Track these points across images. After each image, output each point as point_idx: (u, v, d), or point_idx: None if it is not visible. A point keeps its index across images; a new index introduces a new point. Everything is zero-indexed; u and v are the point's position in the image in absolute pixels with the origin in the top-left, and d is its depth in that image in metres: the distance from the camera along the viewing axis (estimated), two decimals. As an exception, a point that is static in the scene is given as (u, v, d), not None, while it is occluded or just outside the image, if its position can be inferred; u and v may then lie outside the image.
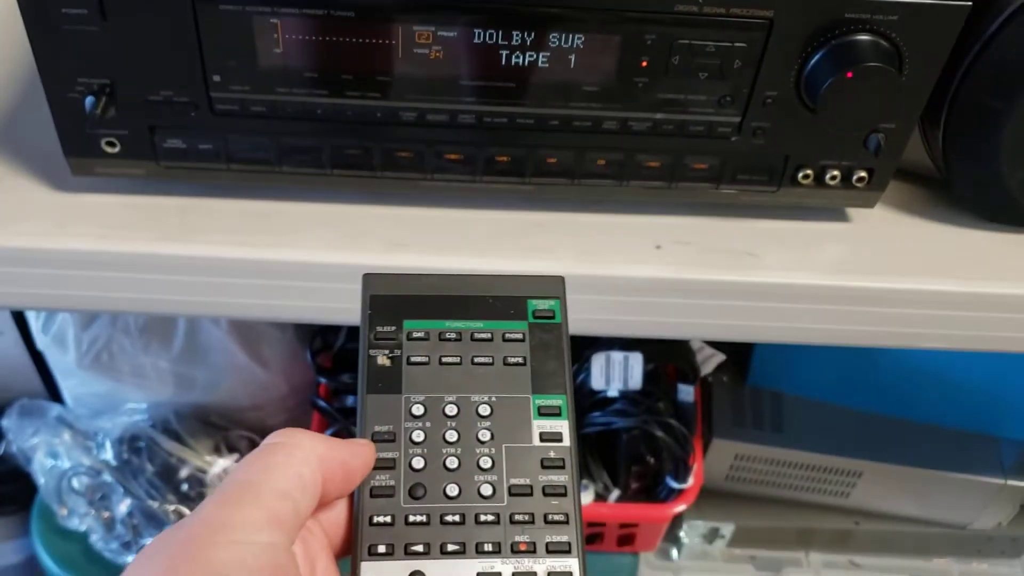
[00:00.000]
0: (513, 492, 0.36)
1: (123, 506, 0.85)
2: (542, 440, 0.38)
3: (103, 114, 0.49)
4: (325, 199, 0.55)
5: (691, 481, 0.84)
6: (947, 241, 0.57)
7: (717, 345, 0.90)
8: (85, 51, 0.47)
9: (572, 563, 0.35)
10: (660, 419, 0.82)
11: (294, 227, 0.53)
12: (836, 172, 0.54)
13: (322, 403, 0.85)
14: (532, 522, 0.36)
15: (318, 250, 0.52)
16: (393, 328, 0.40)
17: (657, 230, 0.56)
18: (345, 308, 0.54)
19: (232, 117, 0.50)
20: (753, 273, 0.54)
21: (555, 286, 0.41)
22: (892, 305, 0.55)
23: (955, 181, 0.56)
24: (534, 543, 0.35)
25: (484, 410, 0.38)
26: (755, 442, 0.92)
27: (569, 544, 0.36)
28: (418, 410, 0.38)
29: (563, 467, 0.37)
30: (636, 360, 0.81)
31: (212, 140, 0.51)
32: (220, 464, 0.87)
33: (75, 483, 0.88)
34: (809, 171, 0.54)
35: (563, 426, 0.38)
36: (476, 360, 0.39)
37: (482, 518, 0.36)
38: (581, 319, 0.55)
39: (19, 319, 0.94)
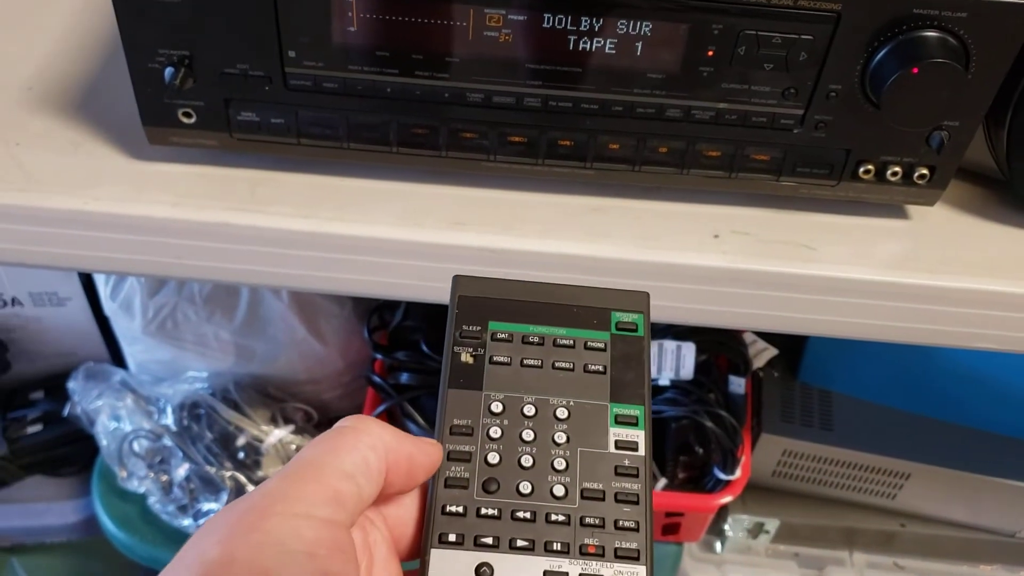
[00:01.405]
0: (585, 495, 0.37)
1: (181, 470, 0.88)
2: (617, 448, 0.38)
3: (181, 85, 0.50)
4: (389, 176, 0.56)
5: (738, 473, 0.84)
6: (1007, 242, 0.57)
7: (769, 339, 0.90)
8: (166, 24, 0.49)
9: (640, 570, 0.35)
10: (710, 409, 0.82)
11: (358, 203, 0.55)
12: (897, 168, 0.54)
13: (377, 379, 0.87)
14: (602, 526, 0.36)
15: (381, 226, 0.54)
16: (478, 328, 0.41)
17: (716, 219, 0.56)
18: (404, 284, 0.55)
19: (304, 92, 0.52)
20: (809, 266, 0.54)
21: (640, 301, 0.42)
22: (947, 304, 0.55)
23: (1018, 182, 0.55)
24: (603, 547, 0.36)
25: (562, 413, 0.39)
26: (804, 439, 0.92)
27: (638, 552, 0.36)
28: (497, 407, 0.39)
29: (637, 476, 0.37)
30: (689, 350, 0.81)
31: (284, 114, 0.53)
32: (276, 434, 0.89)
33: (136, 446, 0.90)
34: (870, 166, 0.54)
35: (639, 436, 0.38)
36: (557, 365, 0.40)
37: (553, 517, 0.36)
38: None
39: (87, 286, 0.97)
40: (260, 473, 0.87)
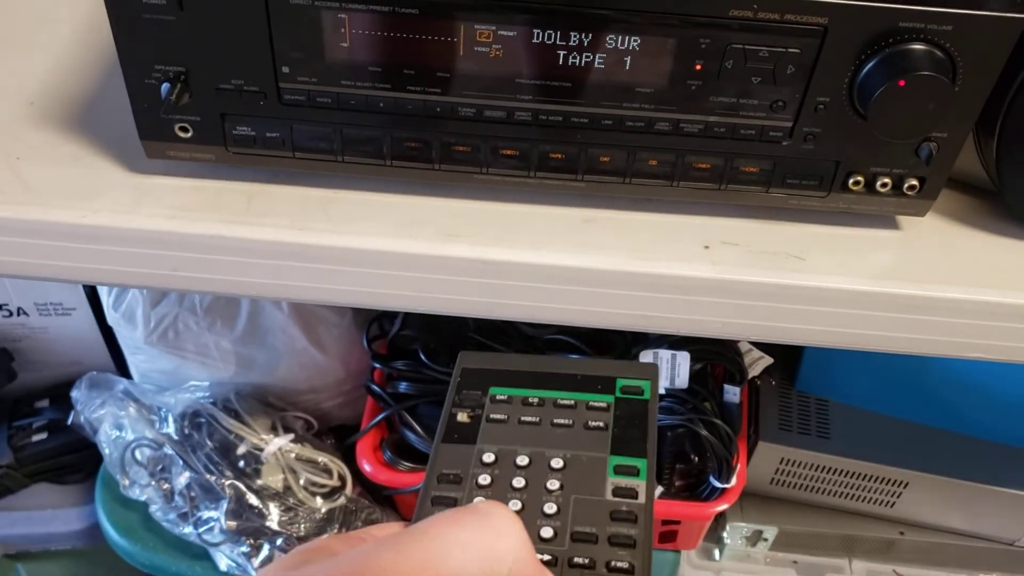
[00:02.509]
0: (576, 538, 0.35)
1: (182, 478, 0.88)
2: (615, 495, 0.36)
3: (177, 100, 0.51)
4: (384, 189, 0.57)
5: (734, 481, 0.84)
6: (998, 253, 0.57)
7: (765, 348, 0.90)
8: (163, 40, 0.50)
9: None
10: (705, 418, 0.83)
11: (353, 215, 0.56)
12: (887, 180, 0.54)
13: (376, 388, 0.87)
14: (592, 567, 0.34)
15: (375, 237, 0.54)
16: (478, 393, 0.40)
17: (706, 230, 0.57)
18: (398, 294, 0.56)
19: (299, 107, 0.52)
20: (800, 276, 0.55)
21: (648, 371, 0.40)
22: (938, 314, 0.55)
23: (1008, 193, 0.56)
24: None
25: (557, 463, 0.37)
26: (801, 447, 0.92)
27: None
28: (489, 458, 0.37)
29: (635, 521, 0.35)
30: (683, 359, 0.82)
31: (279, 129, 0.54)
32: (276, 443, 0.90)
33: (138, 455, 0.91)
34: (860, 177, 0.54)
35: (640, 485, 0.36)
36: (556, 422, 0.39)
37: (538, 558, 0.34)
38: (628, 315, 0.56)
39: (91, 296, 0.98)
40: (260, 482, 0.88)
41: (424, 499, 0.37)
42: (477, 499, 0.36)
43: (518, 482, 0.37)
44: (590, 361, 0.42)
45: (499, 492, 0.36)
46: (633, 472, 0.37)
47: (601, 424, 0.38)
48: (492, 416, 0.39)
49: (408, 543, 0.29)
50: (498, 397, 0.40)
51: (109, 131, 0.59)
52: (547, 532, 0.35)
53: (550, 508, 0.36)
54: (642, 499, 0.36)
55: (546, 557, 0.34)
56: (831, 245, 0.56)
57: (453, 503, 0.36)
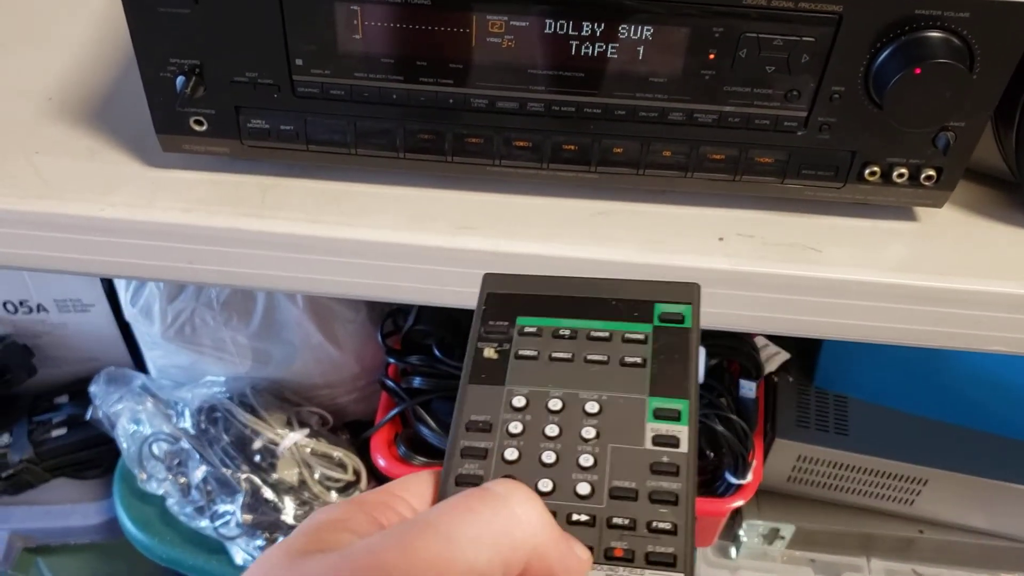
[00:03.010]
0: (614, 495, 0.33)
1: (198, 472, 0.89)
2: (655, 444, 0.34)
3: (192, 94, 0.51)
4: (397, 182, 0.57)
5: (750, 477, 0.84)
6: (1018, 244, 0.56)
7: (782, 343, 0.90)
8: (177, 33, 0.50)
9: None
10: (720, 414, 0.82)
11: (367, 208, 0.56)
12: (904, 170, 0.54)
13: (390, 383, 0.87)
14: (633, 528, 0.32)
15: (388, 230, 0.54)
16: (505, 323, 0.37)
17: (720, 222, 0.56)
18: (411, 287, 0.56)
19: (312, 100, 0.53)
20: (815, 268, 0.54)
21: (688, 292, 0.38)
22: (956, 306, 0.54)
23: (1027, 183, 0.55)
24: (632, 551, 0.31)
25: (592, 407, 0.35)
26: (819, 444, 0.91)
27: (674, 557, 0.31)
28: (519, 402, 0.35)
29: (676, 474, 0.33)
30: (700, 354, 0.81)
31: (293, 121, 0.54)
32: (291, 437, 0.90)
33: (155, 449, 0.92)
34: (876, 168, 0.54)
35: (682, 431, 0.34)
36: (589, 358, 0.36)
37: (574, 518, 0.32)
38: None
39: (109, 292, 0.99)
40: (275, 476, 0.88)
41: (453, 449, 0.35)
42: (508, 450, 0.34)
43: (551, 430, 0.34)
44: (625, 282, 0.38)
45: (531, 442, 0.34)
46: (674, 416, 0.34)
47: (638, 360, 0.36)
48: (521, 352, 0.36)
49: (416, 539, 0.28)
50: (527, 329, 0.37)
51: (125, 125, 0.59)
52: (584, 488, 0.33)
53: (586, 460, 0.34)
54: (684, 448, 0.34)
55: (583, 517, 0.32)
56: (847, 237, 0.56)
57: (483, 454, 0.34)
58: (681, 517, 0.32)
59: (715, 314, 0.56)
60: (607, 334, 0.36)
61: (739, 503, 0.84)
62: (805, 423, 0.92)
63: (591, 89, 0.51)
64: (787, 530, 0.96)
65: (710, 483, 0.87)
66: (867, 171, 0.54)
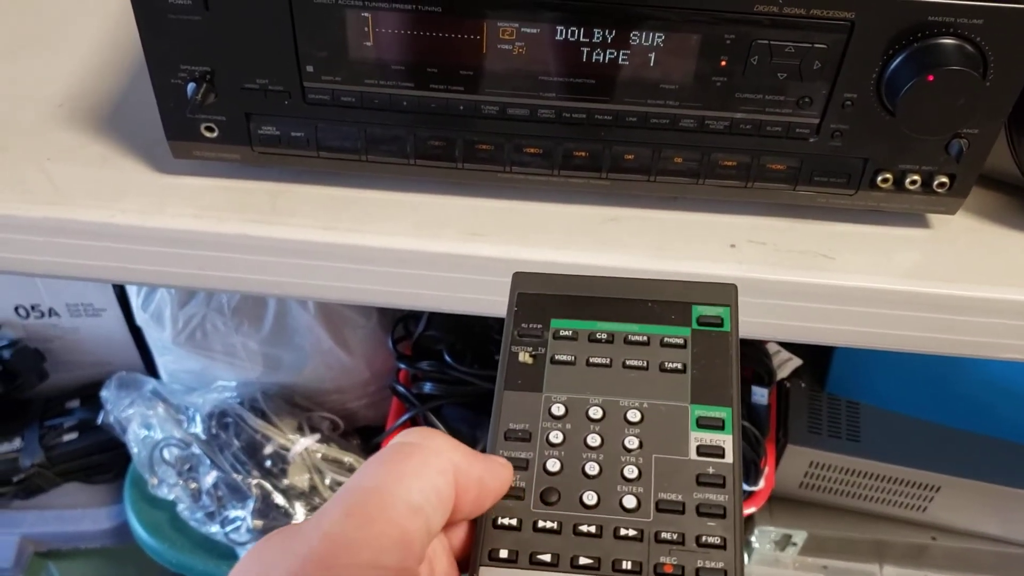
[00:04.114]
0: (661, 508, 0.32)
1: (209, 478, 0.89)
2: (700, 454, 0.33)
3: (203, 100, 0.52)
4: (407, 188, 0.57)
5: (762, 483, 0.83)
6: (1031, 251, 0.56)
7: (794, 350, 0.90)
8: (188, 40, 0.50)
9: None
10: (733, 420, 0.82)
11: (377, 214, 0.56)
12: (916, 177, 0.53)
13: (401, 388, 0.87)
14: (682, 543, 0.31)
15: (398, 236, 0.54)
16: (539, 326, 0.37)
17: (732, 229, 0.56)
18: (421, 293, 0.56)
19: (323, 106, 0.53)
20: (828, 275, 0.54)
21: (726, 293, 0.37)
22: (970, 313, 0.54)
23: (1041, 190, 0.55)
24: (682, 567, 0.31)
25: (633, 416, 0.34)
26: (831, 450, 0.91)
27: (724, 573, 0.31)
28: (559, 410, 0.35)
29: (723, 486, 0.32)
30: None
31: (303, 128, 0.54)
32: (302, 443, 0.90)
33: (166, 454, 0.92)
34: (888, 175, 0.53)
35: (726, 441, 0.33)
36: (628, 364, 0.35)
37: (622, 532, 0.32)
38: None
39: (121, 297, 0.99)
40: (286, 481, 0.88)
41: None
42: (550, 461, 0.34)
43: (593, 440, 0.34)
44: (660, 282, 0.37)
45: (573, 453, 0.33)
46: (718, 425, 0.34)
47: (679, 366, 0.35)
48: (557, 357, 0.36)
49: (362, 508, 0.29)
50: (562, 332, 0.36)
51: (136, 132, 0.60)
52: (630, 502, 0.32)
53: (631, 472, 0.33)
54: (730, 458, 0.33)
55: (631, 532, 0.32)
56: (860, 244, 0.56)
57: (524, 465, 0.33)
58: (730, 531, 0.32)
59: (726, 321, 0.56)
60: (644, 338, 0.36)
61: (751, 510, 0.84)
62: (817, 429, 0.92)
63: (602, 96, 0.51)
64: (799, 536, 0.96)
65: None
66: (879, 178, 0.54)
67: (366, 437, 0.99)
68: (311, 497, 0.89)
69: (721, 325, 0.36)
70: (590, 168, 0.54)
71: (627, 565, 0.31)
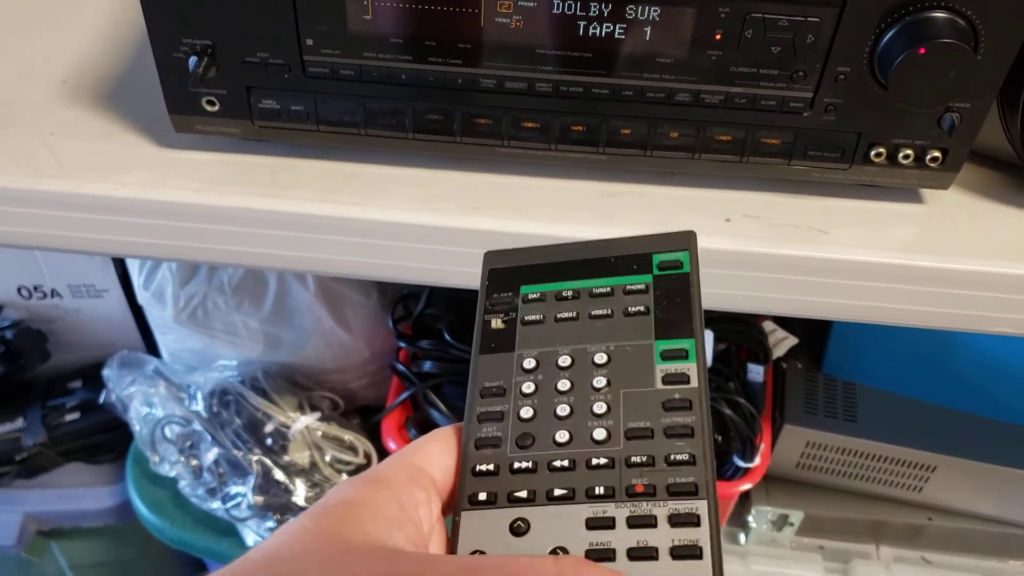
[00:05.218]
0: (630, 436, 0.33)
1: (210, 454, 0.90)
2: (665, 383, 0.34)
3: (205, 74, 0.52)
4: (406, 163, 0.57)
5: (758, 460, 0.84)
6: (1022, 225, 0.56)
7: (790, 328, 0.90)
8: (190, 13, 0.51)
9: (699, 505, 0.31)
10: (728, 397, 0.83)
11: (375, 188, 0.56)
12: (909, 151, 0.54)
13: (401, 367, 0.88)
14: (652, 464, 0.32)
15: (397, 210, 0.55)
16: (509, 294, 0.38)
17: (728, 203, 0.57)
18: (420, 267, 0.57)
19: (322, 80, 0.53)
20: (822, 249, 0.54)
21: (684, 239, 0.38)
22: (962, 287, 0.55)
23: (1034, 165, 0.55)
24: (653, 485, 0.32)
25: (600, 359, 0.36)
26: (827, 430, 0.92)
27: (695, 485, 0.31)
28: (530, 364, 0.36)
29: (689, 408, 0.33)
30: (707, 337, 0.82)
31: (303, 102, 0.54)
32: (302, 421, 0.91)
33: (167, 432, 0.93)
34: (882, 149, 0.54)
35: (690, 368, 0.34)
36: (593, 314, 0.37)
37: (594, 462, 0.33)
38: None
39: (122, 277, 1.00)
40: (287, 458, 0.89)
41: (470, 416, 0.36)
42: (523, 409, 0.35)
43: (563, 384, 0.35)
44: (621, 240, 0.38)
45: (545, 399, 0.35)
46: (681, 355, 0.35)
47: (642, 308, 0.36)
48: (527, 318, 0.37)
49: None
50: (530, 296, 0.38)
51: (139, 108, 0.60)
52: (600, 434, 0.34)
53: (599, 407, 0.34)
54: (694, 383, 0.34)
55: (602, 460, 0.33)
56: (854, 218, 0.56)
57: (499, 416, 0.35)
58: (698, 448, 0.32)
59: (722, 295, 0.56)
60: (608, 290, 0.37)
61: (747, 486, 0.84)
62: (814, 409, 0.93)
63: (599, 69, 0.52)
64: (796, 516, 0.96)
65: (718, 467, 0.87)
66: (873, 152, 0.54)
67: (366, 416, 1.00)
68: (311, 473, 0.89)
69: (681, 267, 0.37)
70: (587, 143, 0.55)
71: (600, 491, 0.32)
